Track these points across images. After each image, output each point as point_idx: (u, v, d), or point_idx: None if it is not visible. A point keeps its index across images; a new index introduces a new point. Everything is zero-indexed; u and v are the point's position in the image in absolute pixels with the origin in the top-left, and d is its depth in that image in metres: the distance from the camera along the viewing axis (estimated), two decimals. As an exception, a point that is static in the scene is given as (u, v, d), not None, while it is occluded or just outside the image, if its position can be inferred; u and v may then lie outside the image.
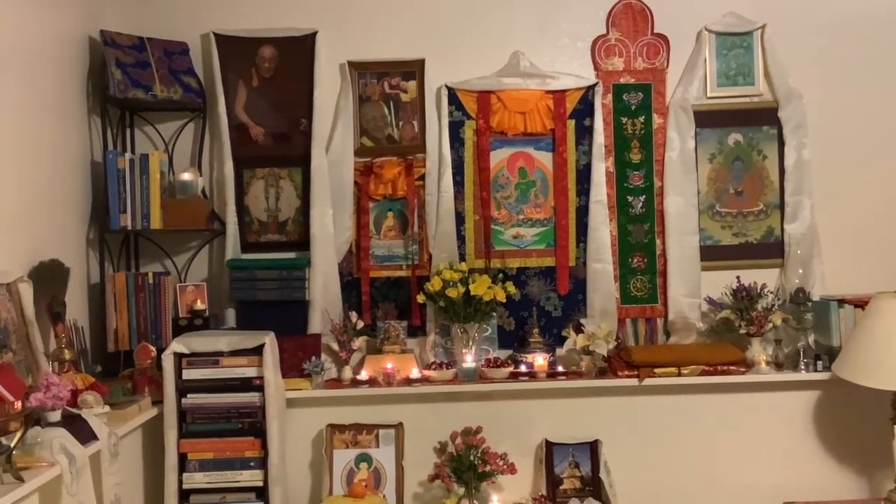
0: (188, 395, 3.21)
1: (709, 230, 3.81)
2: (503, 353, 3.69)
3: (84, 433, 2.65)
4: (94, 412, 2.82)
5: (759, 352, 3.58)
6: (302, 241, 3.69)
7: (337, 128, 3.72)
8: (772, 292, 3.64)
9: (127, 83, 3.51)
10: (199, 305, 3.54)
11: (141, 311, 3.47)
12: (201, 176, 3.69)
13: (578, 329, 3.66)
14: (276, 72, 3.76)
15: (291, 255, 3.72)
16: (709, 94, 3.81)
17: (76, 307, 3.31)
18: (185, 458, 3.21)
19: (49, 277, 3.02)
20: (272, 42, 3.74)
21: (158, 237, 3.68)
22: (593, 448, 3.50)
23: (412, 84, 3.76)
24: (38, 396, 2.56)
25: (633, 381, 3.48)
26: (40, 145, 3.14)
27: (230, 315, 3.68)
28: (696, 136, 3.77)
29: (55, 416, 2.63)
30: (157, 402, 3.21)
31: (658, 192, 3.79)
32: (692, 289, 3.74)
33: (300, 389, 3.41)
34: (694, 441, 3.54)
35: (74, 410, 2.77)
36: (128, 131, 3.74)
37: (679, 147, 3.76)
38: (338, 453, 3.43)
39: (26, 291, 2.85)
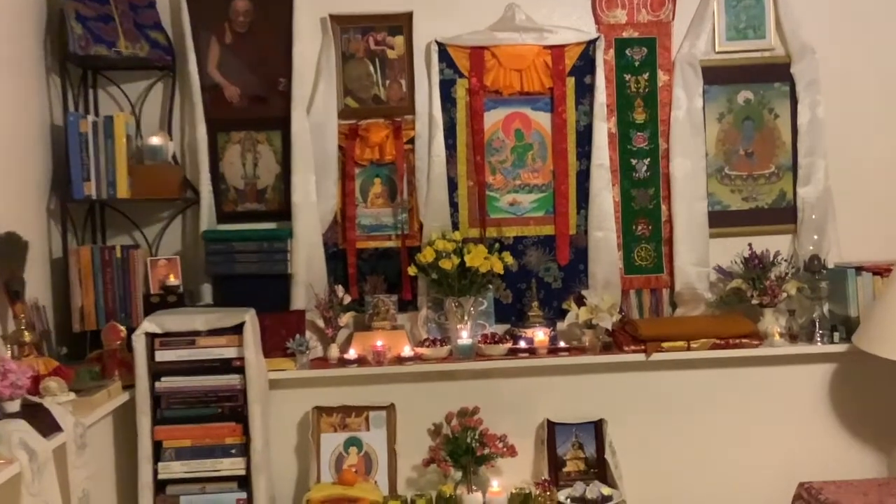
0: (162, 379, 3.04)
1: (717, 195, 3.67)
2: (500, 328, 3.55)
3: (47, 424, 2.43)
4: (58, 400, 2.58)
5: (772, 323, 3.46)
6: (283, 211, 3.52)
7: (319, 88, 3.53)
8: (785, 260, 3.50)
9: (88, 38, 3.25)
10: (173, 281, 3.33)
11: (108, 287, 3.26)
12: (172, 140, 3.46)
13: (580, 301, 3.52)
14: (252, 26, 3.54)
15: (272, 225, 3.55)
16: (717, 49, 3.64)
17: (37, 284, 3.07)
18: (161, 447, 3.04)
19: (5, 252, 2.77)
20: (247, -6, 3.52)
21: (126, 207, 3.48)
22: (598, 428, 3.40)
23: (399, 39, 3.57)
24: (-8, 385, 2.32)
25: (640, 357, 3.36)
26: (-7, 108, 2.89)
27: (206, 291, 3.50)
28: (704, 94, 3.62)
29: (13, 406, 2.42)
30: (129, 386, 3.03)
31: (663, 155, 3.63)
32: (700, 257, 3.60)
33: (284, 370, 3.27)
34: (704, 419, 3.44)
35: (36, 399, 2.54)
36: (90, 92, 3.50)
37: (686, 106, 3.60)
38: (325, 437, 3.32)
39: (-22, 268, 2.58)
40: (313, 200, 3.48)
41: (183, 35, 3.48)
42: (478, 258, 3.38)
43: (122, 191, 3.27)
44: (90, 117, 3.29)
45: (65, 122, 3.25)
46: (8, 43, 3.02)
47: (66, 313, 3.25)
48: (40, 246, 3.16)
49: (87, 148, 3.23)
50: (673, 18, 3.63)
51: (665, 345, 3.35)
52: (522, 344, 3.40)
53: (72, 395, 2.66)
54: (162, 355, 3.03)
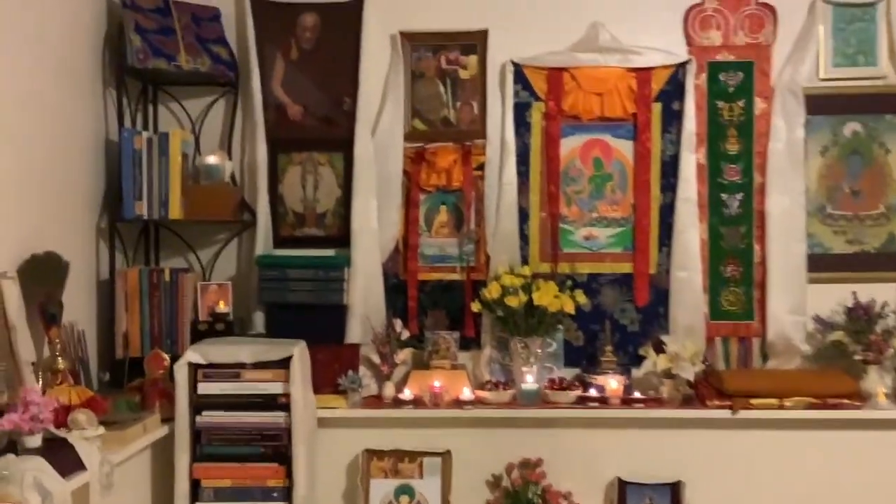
0: (203, 413, 2.91)
1: (818, 236, 3.42)
2: (569, 373, 3.37)
3: (69, 462, 2.26)
4: (86, 434, 2.41)
5: (877, 382, 3.20)
6: (342, 237, 3.40)
7: (385, 108, 3.42)
8: (894, 312, 3.25)
9: (147, 51, 3.16)
10: (222, 308, 3.23)
11: (155, 312, 3.16)
12: (230, 160, 3.39)
13: (658, 348, 3.31)
14: (318, 43, 3.44)
15: (330, 252, 3.43)
16: (822, 76, 3.40)
17: (80, 308, 2.97)
18: (199, 486, 2.91)
19: (43, 273, 2.65)
20: (314, 8, 3.44)
21: (181, 229, 3.40)
22: (675, 490, 3.15)
23: (473, 59, 3.44)
24: (12, 418, 2.18)
25: (725, 413, 3.12)
26: (44, 119, 2.81)
27: (258, 319, 3.38)
28: (806, 125, 3.38)
29: (34, 440, 2.24)
30: (169, 419, 2.89)
31: (758, 190, 3.40)
32: (797, 304, 3.35)
33: (334, 408, 3.14)
34: (797, 486, 3.16)
35: (61, 433, 2.37)
36: (149, 107, 3.43)
37: (785, 137, 3.36)
38: (375, 483, 3.15)
39: (10, 289, 2.46)
40: (374, 227, 3.36)
41: (247, 50, 3.41)
42: (547, 296, 3.20)
43: (175, 211, 3.18)
44: (145, 133, 3.20)
45: (119, 137, 3.17)
46: (65, 54, 2.95)
47: (110, 338, 3.16)
48: (87, 267, 3.08)
49: (140, 165, 3.15)
50: (773, 41, 3.40)
51: (754, 401, 3.11)
52: (593, 392, 3.22)
53: (101, 430, 2.49)
54: (205, 387, 2.90)
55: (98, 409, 2.58)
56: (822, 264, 3.39)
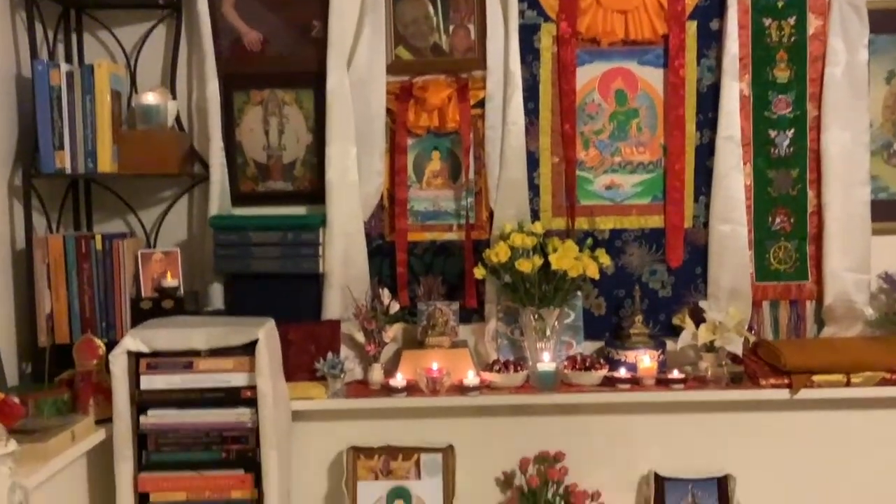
0: (149, 412, 2.55)
1: (884, 178, 3.07)
2: (591, 348, 3.04)
3: None
4: (-10, 454, 2.00)
5: None
6: (314, 192, 3.06)
7: (362, 34, 3.01)
8: None
9: None
10: (170, 281, 2.83)
11: (86, 289, 2.77)
12: (174, 99, 2.97)
13: (696, 316, 2.95)
14: None
15: (300, 210, 3.11)
16: None
17: None
18: (147, 502, 2.57)
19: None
20: (274, -90, 3.03)
21: (117, 185, 2.96)
22: (722, 486, 2.87)
23: None
24: None
25: (783, 394, 2.80)
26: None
27: (216, 294, 3.00)
28: (870, 46, 2.99)
29: None
30: (107, 420, 2.51)
31: (812, 125, 3.03)
32: (859, 261, 3.01)
33: (311, 399, 2.82)
34: (865, 476, 2.87)
35: (-46, 454, 1.91)
36: (72, 36, 2.96)
37: (845, 61, 2.98)
38: (363, 487, 2.88)
39: None
40: (354, 179, 3.01)
41: (191, -36, 2.97)
42: (566, 259, 2.82)
43: (105, 163, 2.73)
44: (64, 66, 2.70)
45: (32, 72, 2.70)
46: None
47: (31, 322, 2.73)
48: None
49: (60, 107, 2.70)
50: (830, -55, 3.01)
51: (816, 378, 2.76)
52: (622, 372, 2.87)
53: (12, 445, 2.04)
54: (149, 381, 2.53)
55: (11, 415, 2.16)
56: (888, 212, 3.07)
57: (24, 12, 2.71)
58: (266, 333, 2.51)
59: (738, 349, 2.87)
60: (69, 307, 2.74)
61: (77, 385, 2.53)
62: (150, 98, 2.84)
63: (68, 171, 2.70)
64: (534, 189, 3.03)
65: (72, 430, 2.31)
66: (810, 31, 2.99)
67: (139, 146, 2.78)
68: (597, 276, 2.85)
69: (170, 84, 2.99)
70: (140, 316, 2.75)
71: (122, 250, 2.76)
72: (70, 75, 2.67)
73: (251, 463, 2.54)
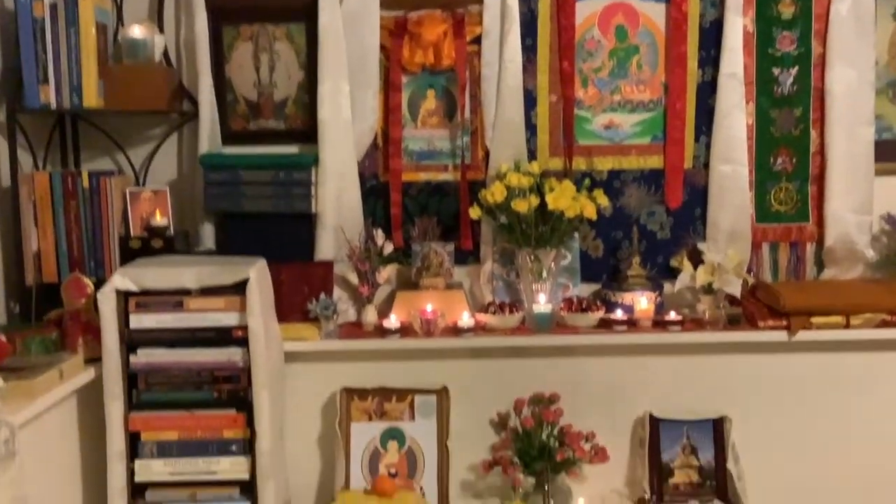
0: (139, 352, 2.52)
1: (888, 118, 3.00)
2: (587, 290, 3.01)
3: None
4: (-25, 390, 1.98)
5: None
6: (307, 130, 2.99)
7: None
8: None
9: None
10: (160, 220, 2.79)
11: (74, 227, 2.74)
12: (162, 33, 2.89)
13: (694, 258, 2.93)
14: None
15: (292, 148, 3.04)
16: None
17: None
18: (138, 441, 2.55)
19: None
20: None
21: (105, 122, 2.90)
22: (718, 427, 2.86)
23: None
24: None
25: (781, 335, 2.77)
26: None
27: (207, 234, 2.96)
28: None
29: None
30: (96, 359, 2.48)
31: (817, 63, 2.96)
32: (862, 201, 2.96)
33: (304, 340, 2.79)
34: (863, 419, 2.85)
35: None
36: None
37: None
38: (357, 428, 2.84)
39: None
40: (347, 117, 2.93)
41: None
42: (564, 198, 2.77)
43: (91, 98, 2.68)
44: None
45: (15, 2, 2.65)
46: None
47: (18, 261, 2.71)
48: (-18, 171, 2.58)
49: (44, 39, 2.65)
50: None
51: (815, 320, 2.74)
52: (619, 314, 2.85)
53: None
54: (138, 320, 2.50)
55: (1, 352, 2.20)
56: (893, 152, 3.01)
57: (2, -61, 2.65)
58: (257, 273, 2.48)
59: (736, 291, 2.84)
60: (56, 245, 2.71)
61: (65, 324, 2.50)
62: (136, 31, 2.76)
63: (53, 106, 2.66)
64: (531, 128, 2.97)
65: (60, 368, 2.27)
66: (816, -37, 2.90)
67: (126, 81, 2.72)
68: (594, 217, 2.82)
69: (157, 18, 2.91)
70: (129, 255, 2.72)
71: (109, 188, 2.72)
72: (54, 7, 2.62)
73: (243, 403, 2.53)
